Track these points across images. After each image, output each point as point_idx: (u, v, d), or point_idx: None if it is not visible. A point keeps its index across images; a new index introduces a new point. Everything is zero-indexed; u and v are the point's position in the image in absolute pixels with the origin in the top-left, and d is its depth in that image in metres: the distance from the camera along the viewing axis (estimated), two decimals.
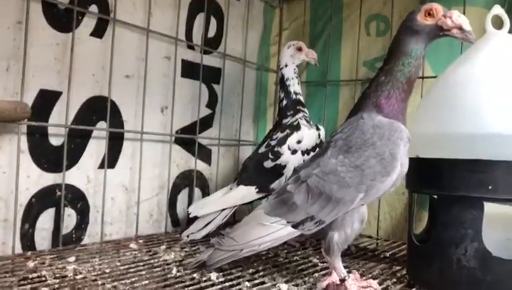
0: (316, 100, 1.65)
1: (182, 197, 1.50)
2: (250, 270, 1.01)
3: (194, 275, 0.95)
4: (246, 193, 1.27)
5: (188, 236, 1.25)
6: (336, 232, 0.87)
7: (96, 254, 1.10)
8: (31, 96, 1.11)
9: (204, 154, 1.59)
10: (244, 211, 1.33)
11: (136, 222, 1.32)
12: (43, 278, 0.88)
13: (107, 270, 0.96)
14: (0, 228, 1.08)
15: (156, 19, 1.37)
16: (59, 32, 1.16)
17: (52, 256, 1.05)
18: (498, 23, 0.95)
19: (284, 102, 1.38)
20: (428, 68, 1.39)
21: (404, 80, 0.88)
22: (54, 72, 1.15)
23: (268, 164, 1.29)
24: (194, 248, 1.19)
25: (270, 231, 0.89)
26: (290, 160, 1.28)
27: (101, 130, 1.24)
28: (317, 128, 1.36)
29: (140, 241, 1.26)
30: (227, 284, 0.91)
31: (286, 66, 1.40)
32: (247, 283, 0.92)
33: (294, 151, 1.30)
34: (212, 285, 0.90)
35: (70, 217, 1.21)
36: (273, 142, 1.32)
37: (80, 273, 0.93)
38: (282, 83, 1.40)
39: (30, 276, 0.89)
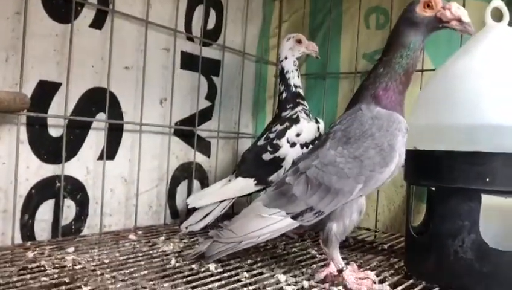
0: (315, 93, 1.65)
1: (181, 189, 1.51)
2: (249, 261, 1.02)
3: (193, 265, 0.95)
4: (245, 185, 1.28)
5: (186, 227, 1.25)
6: (334, 223, 0.88)
7: (96, 244, 1.10)
8: (30, 87, 1.10)
9: (204, 147, 1.59)
10: (242, 204, 1.33)
11: (135, 213, 1.33)
12: (43, 268, 0.89)
13: (106, 261, 0.96)
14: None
15: (155, 10, 1.37)
16: (58, 23, 1.15)
17: (51, 247, 1.05)
18: (497, 16, 0.95)
19: (284, 95, 1.38)
20: (427, 61, 1.39)
21: (402, 72, 0.88)
22: (53, 63, 1.15)
23: (267, 156, 1.30)
24: (192, 239, 1.19)
25: (269, 223, 0.89)
26: (289, 153, 1.29)
27: (100, 122, 1.24)
28: (317, 122, 1.36)
29: (140, 232, 1.26)
30: (225, 274, 0.91)
31: (286, 58, 1.39)
32: (245, 274, 0.92)
33: (293, 144, 1.30)
34: (211, 275, 0.90)
35: (69, 208, 1.21)
36: (272, 135, 1.32)
37: (79, 263, 0.93)
38: (282, 75, 1.40)
39: (29, 266, 0.89)
